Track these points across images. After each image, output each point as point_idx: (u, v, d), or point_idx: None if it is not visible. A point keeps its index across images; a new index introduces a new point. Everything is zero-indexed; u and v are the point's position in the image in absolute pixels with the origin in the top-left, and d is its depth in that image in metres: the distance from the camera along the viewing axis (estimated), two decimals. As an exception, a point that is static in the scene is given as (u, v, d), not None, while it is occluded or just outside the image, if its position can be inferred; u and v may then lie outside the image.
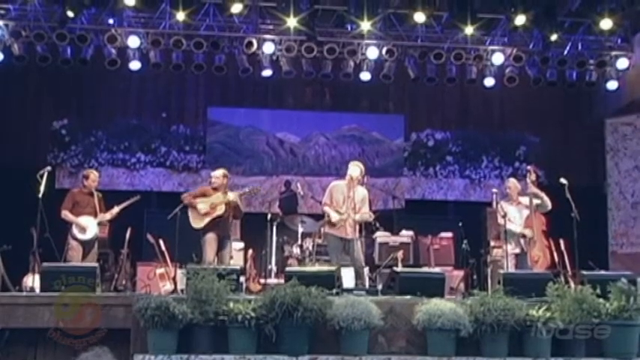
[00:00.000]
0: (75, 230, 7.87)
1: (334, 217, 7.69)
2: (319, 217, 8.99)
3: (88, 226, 7.90)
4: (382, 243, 9.45)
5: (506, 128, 12.18)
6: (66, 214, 7.91)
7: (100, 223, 8.03)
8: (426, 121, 12.20)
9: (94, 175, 8.14)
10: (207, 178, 8.98)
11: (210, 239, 7.85)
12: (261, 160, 11.79)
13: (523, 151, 12.04)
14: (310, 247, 9.20)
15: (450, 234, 9.89)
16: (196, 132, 11.74)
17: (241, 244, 9.57)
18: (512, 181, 8.40)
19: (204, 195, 8.06)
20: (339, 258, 7.69)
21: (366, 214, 7.83)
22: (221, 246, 7.94)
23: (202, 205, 7.90)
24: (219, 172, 8.16)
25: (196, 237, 7.93)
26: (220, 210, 7.90)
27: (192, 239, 7.90)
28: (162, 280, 8.61)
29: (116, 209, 8.08)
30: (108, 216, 8.06)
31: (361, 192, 7.89)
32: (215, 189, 8.08)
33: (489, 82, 10.83)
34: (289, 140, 11.92)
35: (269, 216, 8.73)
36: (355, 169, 7.85)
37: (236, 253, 9.24)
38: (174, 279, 8.08)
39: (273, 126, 11.90)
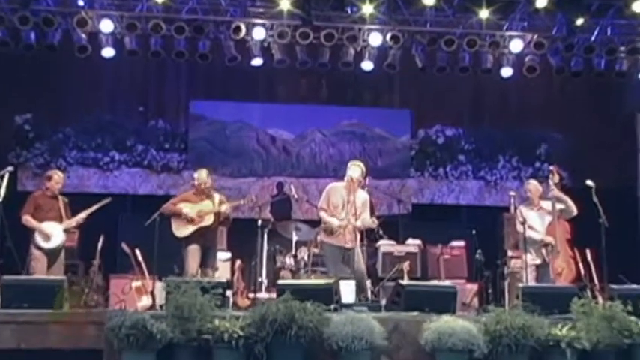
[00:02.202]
0: (38, 238, 7.81)
1: (331, 222, 7.68)
2: (315, 223, 8.97)
3: (53, 234, 7.86)
4: (386, 253, 9.47)
5: (525, 124, 12.19)
6: (27, 220, 7.84)
7: (66, 230, 8.00)
8: (435, 116, 12.21)
9: (57, 176, 8.10)
10: (189, 179, 9.00)
11: (194, 249, 7.86)
12: (251, 159, 11.79)
13: (544, 150, 12.07)
14: (305, 257, 9.21)
15: (462, 243, 9.91)
16: (177, 128, 11.74)
17: (228, 254, 9.55)
18: (532, 184, 8.41)
19: (187, 201, 8.06)
20: (338, 269, 7.69)
21: (368, 219, 7.83)
22: (205, 257, 7.95)
23: (188, 210, 7.89)
24: (204, 173, 8.16)
25: (177, 246, 7.94)
26: (208, 220, 7.93)
27: (172, 249, 7.90)
28: (139, 295, 8.59)
29: (83, 214, 8.03)
30: (74, 222, 8.02)
31: (362, 195, 7.89)
32: (199, 193, 8.07)
33: (507, 72, 10.83)
34: (282, 137, 11.92)
35: (259, 222, 8.73)
36: (355, 169, 7.85)
37: (222, 264, 9.22)
38: (152, 293, 8.06)
39: (264, 121, 11.91)
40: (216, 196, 8.14)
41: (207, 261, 7.98)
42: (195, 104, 11.78)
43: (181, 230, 7.92)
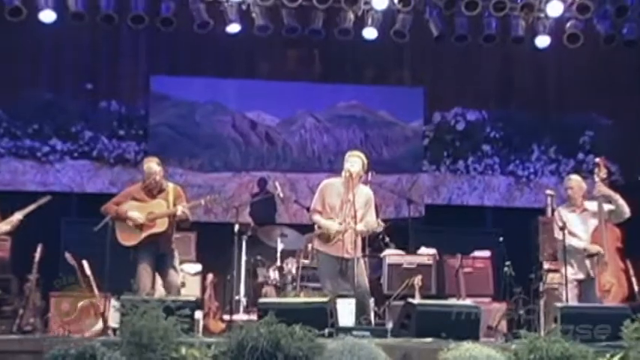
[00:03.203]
0: (-40, 247, 7.86)
1: (329, 227, 7.67)
2: (306, 228, 9.00)
3: (-20, 241, 7.89)
4: (393, 264, 9.50)
5: (565, 106, 12.21)
6: (-54, 226, 7.89)
7: (-4, 237, 8.01)
8: (453, 95, 12.23)
9: (-17, 171, 8.11)
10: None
11: (145, 260, 7.86)
12: (226, 149, 11.79)
13: (589, 138, 12.09)
14: (293, 270, 9.24)
15: (487, 253, 9.97)
16: (135, 110, 11.71)
17: (197, 267, 9.58)
18: (574, 180, 8.41)
19: (133, 199, 8.03)
20: (334, 285, 7.70)
21: (372, 221, 7.81)
22: (161, 266, 7.96)
23: (136, 214, 7.87)
24: (153, 163, 8.10)
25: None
26: (161, 226, 7.88)
27: (128, 260, 7.90)
28: (87, 317, 8.59)
29: (17, 216, 8.03)
30: (6, 227, 8.01)
31: (364, 193, 7.86)
32: (149, 188, 8.02)
33: (543, 41, 10.83)
34: (264, 122, 11.92)
35: (236, 227, 8.74)
36: (355, 161, 7.82)
37: (190, 279, 9.28)
38: (103, 315, 8.06)
39: (243, 102, 11.89)
40: (171, 189, 8.07)
41: (163, 271, 7.97)
42: (156, 81, 11.74)
43: (128, 238, 7.87)
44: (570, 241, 7.93)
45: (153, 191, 8.04)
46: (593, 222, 8.09)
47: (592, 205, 8.14)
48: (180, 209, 7.90)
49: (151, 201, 8.00)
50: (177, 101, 11.75)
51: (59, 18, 10.28)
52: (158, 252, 7.95)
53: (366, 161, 7.93)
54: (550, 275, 8.87)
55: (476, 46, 10.98)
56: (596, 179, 8.16)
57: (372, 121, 12.07)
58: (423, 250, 9.77)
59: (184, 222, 8.12)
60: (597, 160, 8.44)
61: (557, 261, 8.31)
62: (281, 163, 11.86)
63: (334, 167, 9.64)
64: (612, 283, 7.95)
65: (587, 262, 8.00)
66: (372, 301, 8.20)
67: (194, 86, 11.85)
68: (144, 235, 7.86)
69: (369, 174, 8.43)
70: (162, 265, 7.97)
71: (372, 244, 9.12)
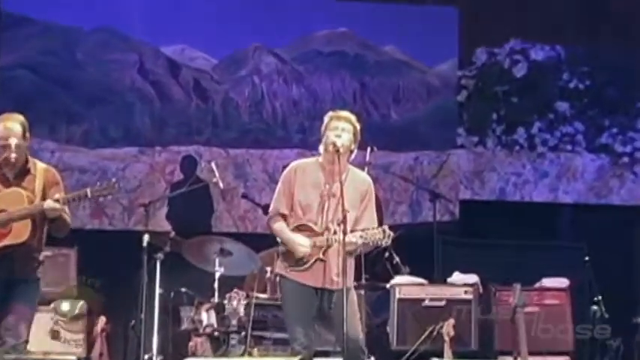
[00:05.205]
0: None
1: (296, 246, 7.58)
2: (262, 240, 8.97)
3: None
4: (408, 300, 9.49)
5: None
6: None
7: None
8: (508, 21, 12.30)
9: None
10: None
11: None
12: (129, 109, 11.88)
13: None
14: (241, 311, 9.22)
15: (563, 281, 9.89)
16: (-26, 43, 11.76)
17: (80, 306, 9.53)
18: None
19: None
20: (309, 335, 7.62)
21: (374, 231, 7.70)
22: (14, 303, 7.78)
23: None
24: (13, 123, 7.94)
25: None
26: (22, 234, 7.73)
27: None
28: None
29: None
30: None
31: (359, 182, 7.81)
32: (4, 170, 7.90)
33: None
34: (193, 64, 12.02)
35: (145, 239, 8.75)
36: (345, 128, 7.74)
37: (68, 326, 9.26)
38: None
39: (156, 31, 11.97)
40: (39, 172, 7.91)
41: (18, 311, 7.78)
42: (10, -6, 11.80)
43: None
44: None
45: (8, 174, 7.92)
46: None
47: None
48: (51, 204, 7.76)
49: (4, 190, 7.87)
50: (45, 28, 11.81)
51: None
52: (11, 277, 7.82)
53: (358, 128, 7.83)
54: (668, 319, 8.91)
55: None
56: None
57: (374, 62, 12.17)
58: (456, 276, 9.74)
59: (59, 226, 7.97)
60: None
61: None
62: (221, 131, 11.93)
63: (309, 139, 9.66)
64: None
65: None
66: (371, 361, 8.21)
67: (73, 3, 11.86)
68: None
69: (368, 150, 8.35)
70: (15, 299, 7.84)
71: (373, 266, 9.10)
